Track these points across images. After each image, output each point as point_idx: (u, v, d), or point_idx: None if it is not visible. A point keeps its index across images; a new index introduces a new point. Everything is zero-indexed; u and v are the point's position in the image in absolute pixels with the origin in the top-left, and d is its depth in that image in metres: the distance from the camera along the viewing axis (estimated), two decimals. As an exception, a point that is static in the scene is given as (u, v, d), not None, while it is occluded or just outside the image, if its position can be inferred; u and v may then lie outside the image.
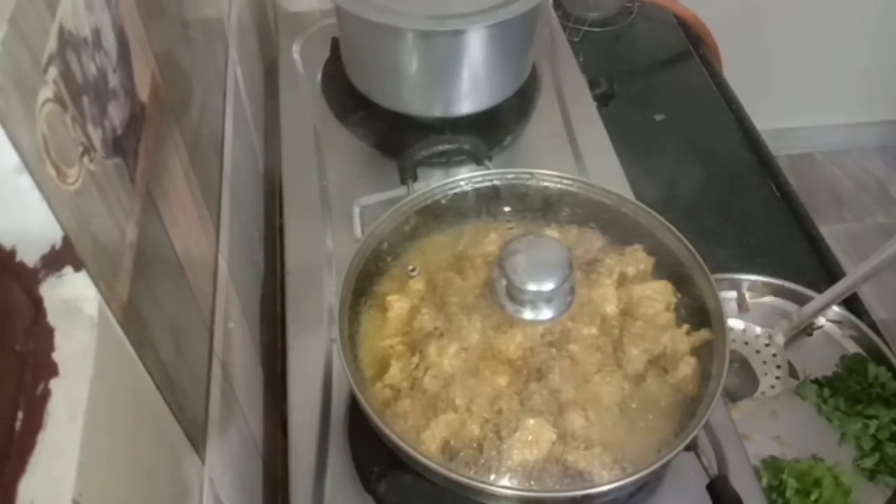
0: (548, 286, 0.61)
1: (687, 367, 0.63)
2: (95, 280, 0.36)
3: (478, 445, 0.59)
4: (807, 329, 1.01)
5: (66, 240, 0.34)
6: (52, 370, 0.32)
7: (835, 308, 1.02)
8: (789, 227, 1.15)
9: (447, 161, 0.91)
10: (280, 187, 0.97)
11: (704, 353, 0.63)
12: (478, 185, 0.74)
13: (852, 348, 1.00)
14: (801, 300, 1.02)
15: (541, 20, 0.99)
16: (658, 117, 1.29)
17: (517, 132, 1.00)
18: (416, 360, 0.63)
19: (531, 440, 0.58)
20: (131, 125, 0.47)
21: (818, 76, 2.06)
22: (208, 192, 0.67)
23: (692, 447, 0.58)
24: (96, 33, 0.42)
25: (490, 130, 0.97)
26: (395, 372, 0.62)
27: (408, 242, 0.72)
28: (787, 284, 1.03)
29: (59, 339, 0.32)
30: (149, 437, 0.45)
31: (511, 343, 0.62)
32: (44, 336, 0.32)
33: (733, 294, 1.05)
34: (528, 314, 0.63)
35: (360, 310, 0.67)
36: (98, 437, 0.35)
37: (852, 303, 1.03)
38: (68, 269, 0.34)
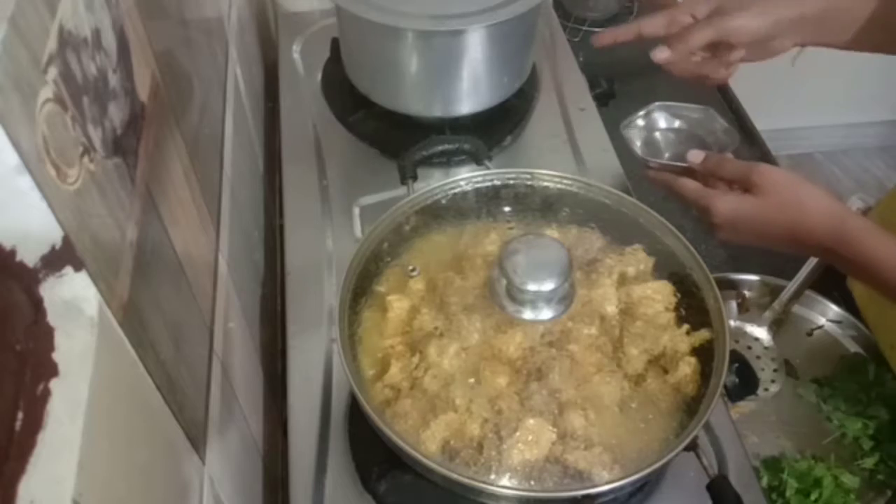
0: (548, 286, 0.61)
1: (687, 367, 0.63)
2: (95, 280, 0.36)
3: (478, 445, 0.59)
4: (785, 316, 1.01)
5: (66, 240, 0.34)
6: (52, 370, 0.32)
7: (834, 308, 1.02)
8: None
9: (447, 161, 0.91)
10: (280, 187, 0.97)
11: (704, 353, 0.63)
12: (478, 185, 0.74)
13: (852, 348, 1.00)
14: (802, 299, 1.02)
15: (541, 20, 0.99)
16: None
17: (517, 132, 1.00)
18: (416, 360, 0.63)
19: (531, 440, 0.58)
20: (131, 125, 0.47)
21: (818, 76, 2.06)
22: (208, 192, 0.67)
23: (692, 447, 0.58)
24: (96, 33, 0.42)
25: (490, 130, 0.97)
26: (395, 372, 0.62)
27: (408, 242, 0.72)
28: (787, 284, 1.03)
29: (59, 339, 0.32)
30: (149, 437, 0.45)
31: (511, 343, 0.62)
32: (44, 336, 0.32)
33: (733, 294, 1.05)
34: (528, 314, 0.63)
35: (360, 310, 0.67)
36: (98, 437, 0.35)
37: (851, 302, 1.03)
38: (68, 269, 0.34)
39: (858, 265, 0.69)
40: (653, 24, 0.85)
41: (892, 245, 0.67)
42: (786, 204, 0.71)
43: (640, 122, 0.86)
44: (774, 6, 0.81)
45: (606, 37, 0.88)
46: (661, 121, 0.87)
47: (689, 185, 0.76)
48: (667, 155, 0.84)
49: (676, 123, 0.87)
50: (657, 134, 0.87)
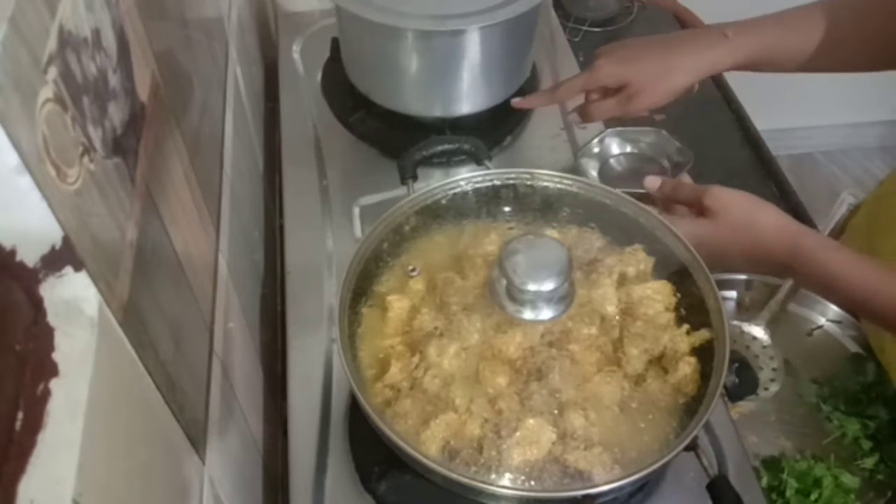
0: (548, 286, 0.61)
1: (687, 367, 0.63)
2: (95, 280, 0.36)
3: (478, 445, 0.59)
4: (782, 314, 1.01)
5: (66, 240, 0.34)
6: (52, 370, 0.32)
7: (834, 308, 1.02)
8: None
9: (447, 161, 0.91)
10: (280, 187, 0.97)
11: (704, 353, 0.63)
12: (478, 185, 0.74)
13: (852, 348, 1.00)
14: (802, 299, 1.02)
15: (541, 20, 0.99)
16: (658, 117, 1.29)
17: (517, 132, 1.00)
18: (416, 360, 0.63)
19: (531, 440, 0.58)
20: (131, 125, 0.47)
21: (818, 76, 2.06)
22: (208, 192, 0.67)
23: (692, 447, 0.58)
24: (96, 33, 0.42)
25: (490, 130, 0.97)
26: (395, 372, 0.62)
27: (408, 242, 0.72)
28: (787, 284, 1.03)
29: (59, 339, 0.32)
30: (149, 437, 0.45)
31: (511, 343, 0.62)
32: (44, 336, 0.32)
33: (733, 294, 1.05)
34: (528, 314, 0.63)
35: (360, 310, 0.67)
36: (98, 437, 0.35)
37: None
38: (68, 269, 0.34)
39: (815, 281, 0.70)
40: (568, 91, 0.88)
41: (847, 260, 0.69)
42: (740, 226, 0.72)
43: (595, 150, 0.88)
44: (688, 69, 0.83)
45: (523, 102, 0.91)
46: (614, 146, 0.88)
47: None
48: (617, 181, 0.86)
49: (629, 148, 0.88)
50: (611, 160, 0.88)
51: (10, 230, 0.30)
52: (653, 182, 0.78)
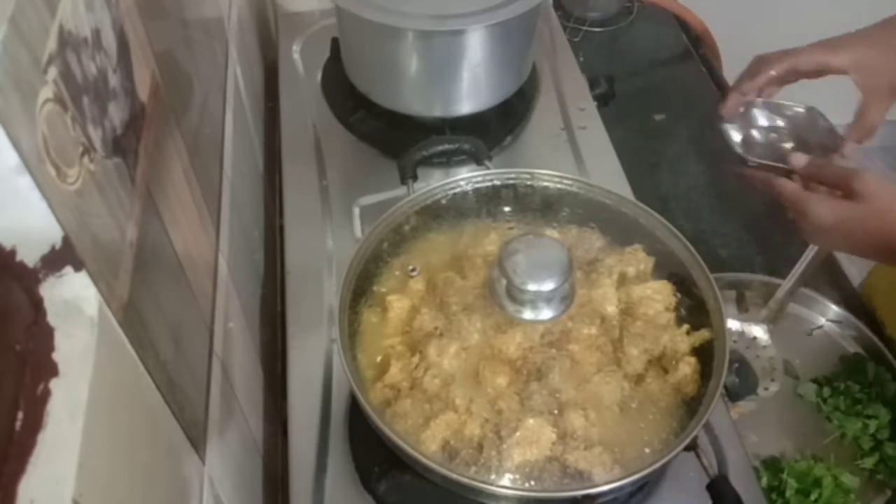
0: (548, 286, 0.61)
1: (687, 367, 0.63)
2: (95, 280, 0.36)
3: (478, 445, 0.59)
4: (781, 314, 1.01)
5: (66, 240, 0.34)
6: (52, 370, 0.32)
7: (834, 308, 1.02)
8: (789, 226, 1.14)
9: (447, 161, 0.91)
10: (280, 187, 0.97)
11: (704, 353, 0.63)
12: (478, 185, 0.74)
13: (852, 348, 1.00)
14: (802, 299, 1.02)
15: (541, 20, 0.99)
16: (658, 117, 1.29)
17: (517, 132, 1.00)
18: (416, 360, 0.63)
19: (531, 440, 0.58)
20: (131, 125, 0.47)
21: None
22: (208, 192, 0.67)
23: (692, 447, 0.58)
24: (96, 33, 0.42)
25: (490, 130, 0.97)
26: (395, 372, 0.62)
27: (408, 242, 0.72)
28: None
29: (59, 339, 0.32)
30: (149, 437, 0.45)
31: (511, 343, 0.62)
32: (44, 336, 0.32)
33: (733, 294, 1.05)
34: (528, 314, 0.63)
35: (360, 310, 0.67)
36: (98, 437, 0.35)
37: (851, 302, 1.03)
38: (68, 269, 0.34)
39: None
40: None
41: None
42: (886, 213, 0.70)
43: (740, 119, 0.85)
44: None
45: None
46: (762, 118, 0.85)
47: (789, 187, 0.76)
48: (759, 152, 0.82)
49: (777, 122, 0.85)
50: (755, 132, 0.85)
51: (10, 230, 0.30)
52: (799, 159, 0.78)
